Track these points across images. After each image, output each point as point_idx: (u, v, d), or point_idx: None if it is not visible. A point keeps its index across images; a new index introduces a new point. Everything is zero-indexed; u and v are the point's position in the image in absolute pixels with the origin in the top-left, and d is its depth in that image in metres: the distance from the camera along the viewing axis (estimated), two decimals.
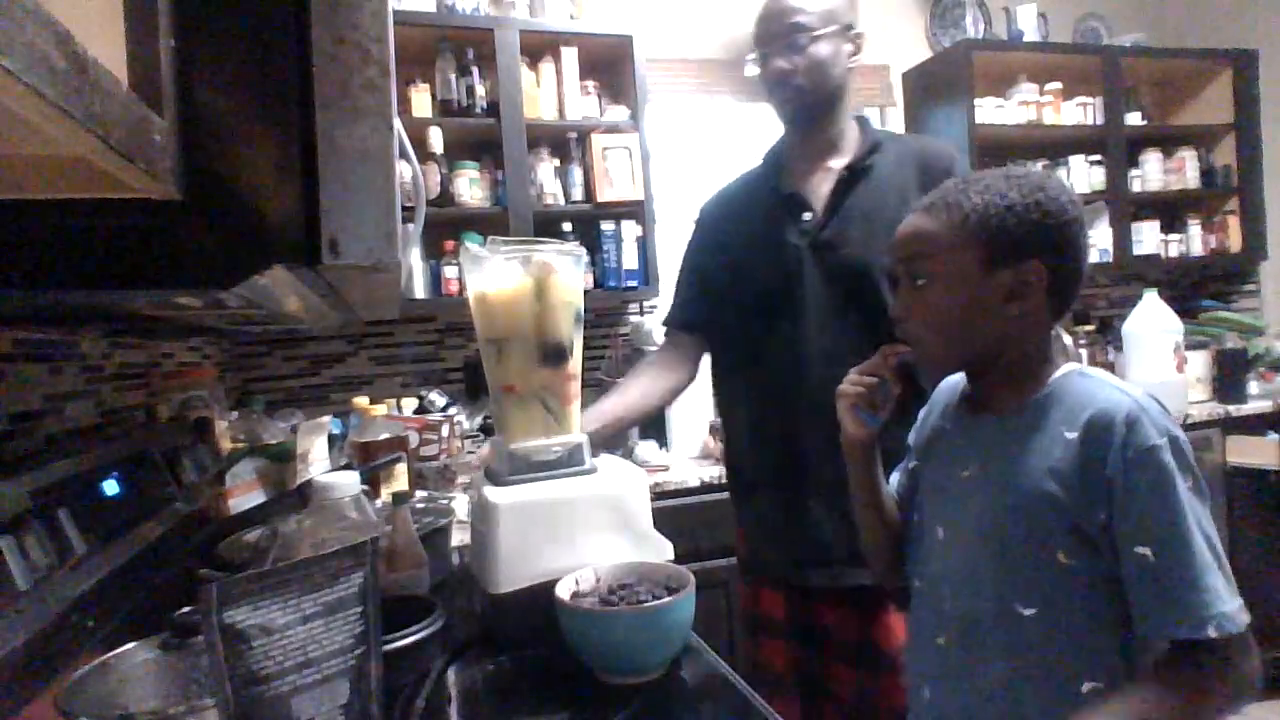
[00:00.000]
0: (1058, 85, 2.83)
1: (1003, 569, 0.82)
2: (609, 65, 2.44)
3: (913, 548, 0.97)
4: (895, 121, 2.96)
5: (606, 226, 2.35)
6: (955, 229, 0.83)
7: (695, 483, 1.97)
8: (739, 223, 1.36)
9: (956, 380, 0.96)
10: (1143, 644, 0.79)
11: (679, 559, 0.97)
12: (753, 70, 1.32)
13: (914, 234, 0.86)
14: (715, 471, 1.99)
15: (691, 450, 2.26)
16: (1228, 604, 0.72)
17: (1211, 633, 0.72)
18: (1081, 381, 0.83)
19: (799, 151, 1.34)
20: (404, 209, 0.62)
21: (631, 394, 1.36)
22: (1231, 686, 0.72)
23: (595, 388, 2.28)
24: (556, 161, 2.37)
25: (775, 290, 1.28)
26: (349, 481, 0.91)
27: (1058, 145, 2.90)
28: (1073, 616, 0.79)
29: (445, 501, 1.44)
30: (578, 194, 2.36)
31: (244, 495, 1.45)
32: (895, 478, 1.04)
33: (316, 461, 1.60)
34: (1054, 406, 0.82)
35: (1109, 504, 0.76)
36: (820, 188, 1.30)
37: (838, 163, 1.30)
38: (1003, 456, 0.85)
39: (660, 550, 0.98)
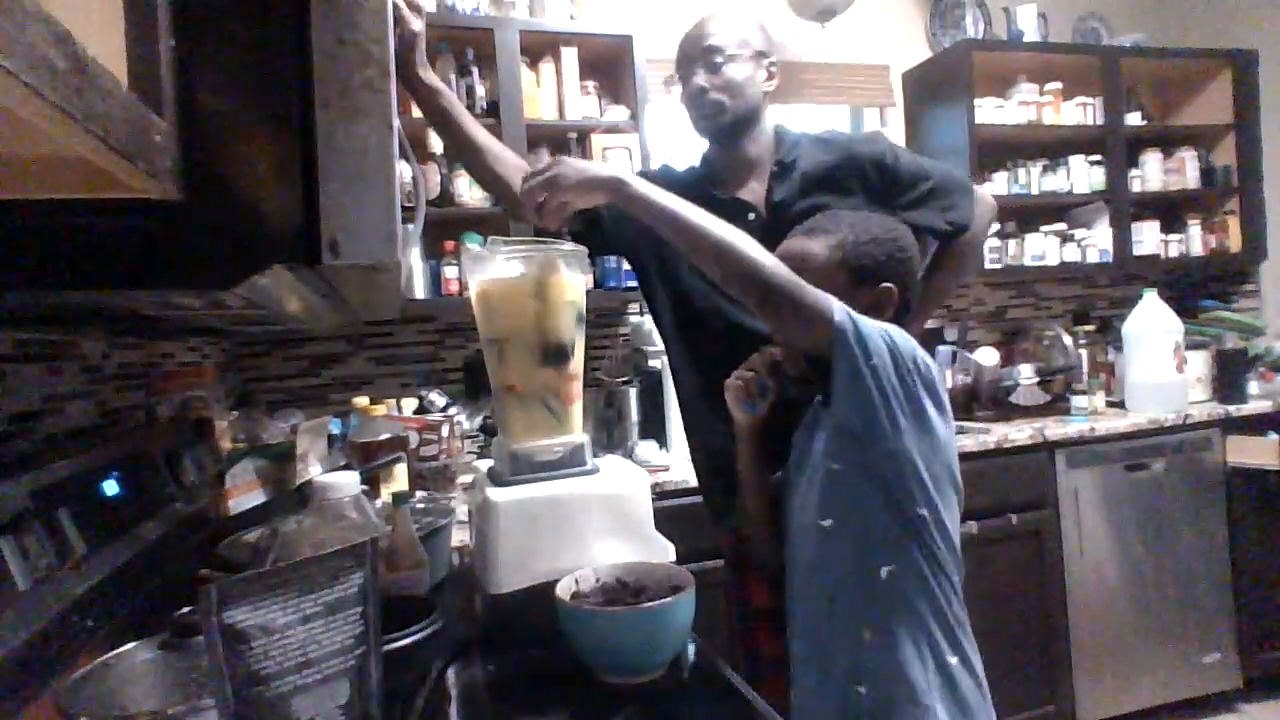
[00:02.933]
0: (1058, 85, 2.83)
1: (815, 495, 1.00)
2: (609, 65, 2.44)
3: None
4: (895, 121, 2.96)
5: None
6: (831, 250, 1.03)
7: (696, 483, 1.96)
8: None
9: None
10: None
11: (680, 559, 0.97)
12: (676, 91, 1.44)
13: (797, 253, 1.04)
14: None
15: None
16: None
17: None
18: None
19: (727, 164, 1.43)
20: (404, 209, 0.62)
21: (506, 151, 1.39)
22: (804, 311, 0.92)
23: (595, 388, 2.28)
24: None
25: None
26: (349, 481, 0.91)
27: (1057, 145, 2.89)
28: (865, 520, 0.95)
29: (445, 501, 1.44)
30: None
31: (244, 495, 1.44)
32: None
33: (316, 461, 1.60)
34: None
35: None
36: (756, 193, 1.40)
37: (765, 170, 1.40)
38: (820, 426, 1.03)
39: (662, 552, 0.98)
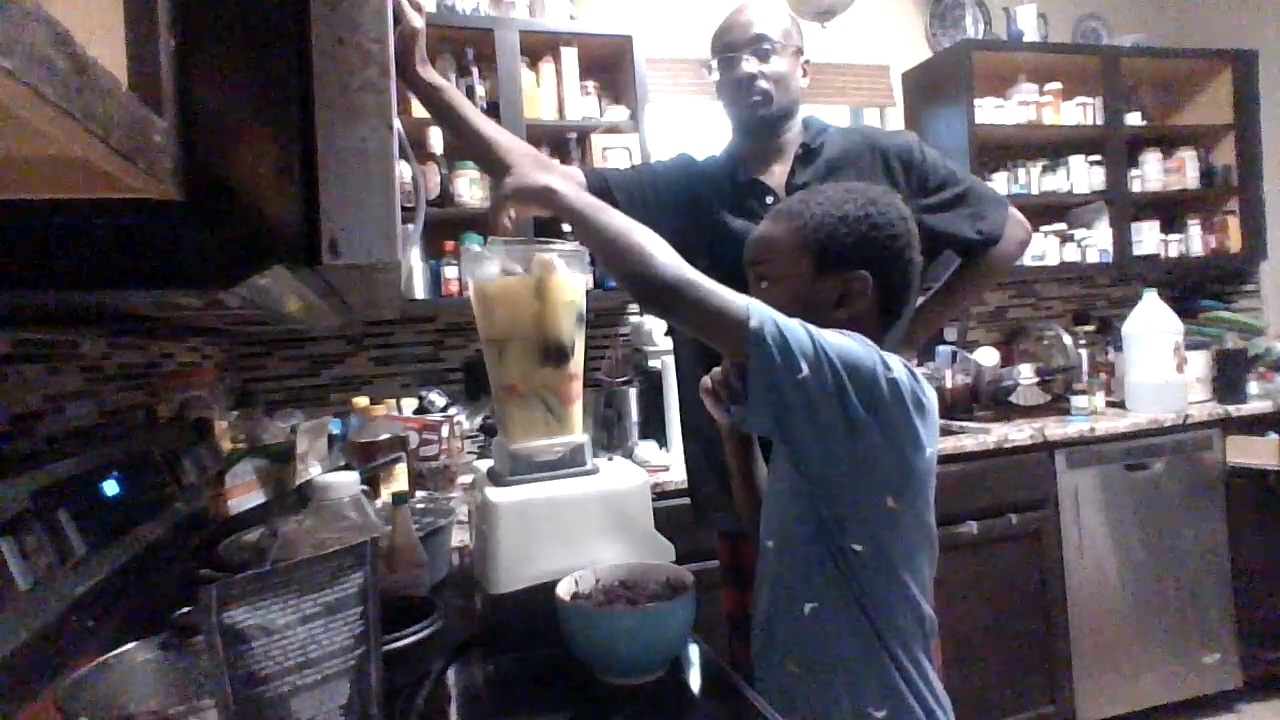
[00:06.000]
0: (1057, 85, 2.83)
1: (775, 514, 0.96)
2: (609, 65, 2.44)
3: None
4: (895, 122, 2.96)
5: None
6: (794, 235, 0.90)
7: None
8: (698, 204, 1.42)
9: None
10: None
11: (679, 559, 0.96)
12: (714, 76, 1.40)
13: (760, 239, 0.94)
14: None
15: None
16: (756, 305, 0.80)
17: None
18: None
19: (755, 153, 1.41)
20: (404, 209, 0.62)
21: (515, 141, 1.35)
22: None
23: (595, 388, 2.28)
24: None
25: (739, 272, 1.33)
26: (349, 482, 0.91)
27: (1057, 145, 2.90)
28: (796, 547, 0.90)
29: (445, 501, 1.44)
30: None
31: (244, 495, 1.44)
32: None
33: (316, 461, 1.60)
34: None
35: None
36: (778, 177, 1.39)
37: (790, 155, 1.40)
38: None
39: (661, 552, 0.98)
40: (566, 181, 0.97)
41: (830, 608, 0.87)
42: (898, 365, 0.83)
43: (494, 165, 1.35)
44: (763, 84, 1.33)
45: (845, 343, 0.81)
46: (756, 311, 0.79)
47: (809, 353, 0.78)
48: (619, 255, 0.85)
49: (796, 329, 0.79)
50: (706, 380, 1.01)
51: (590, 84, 2.38)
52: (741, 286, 1.00)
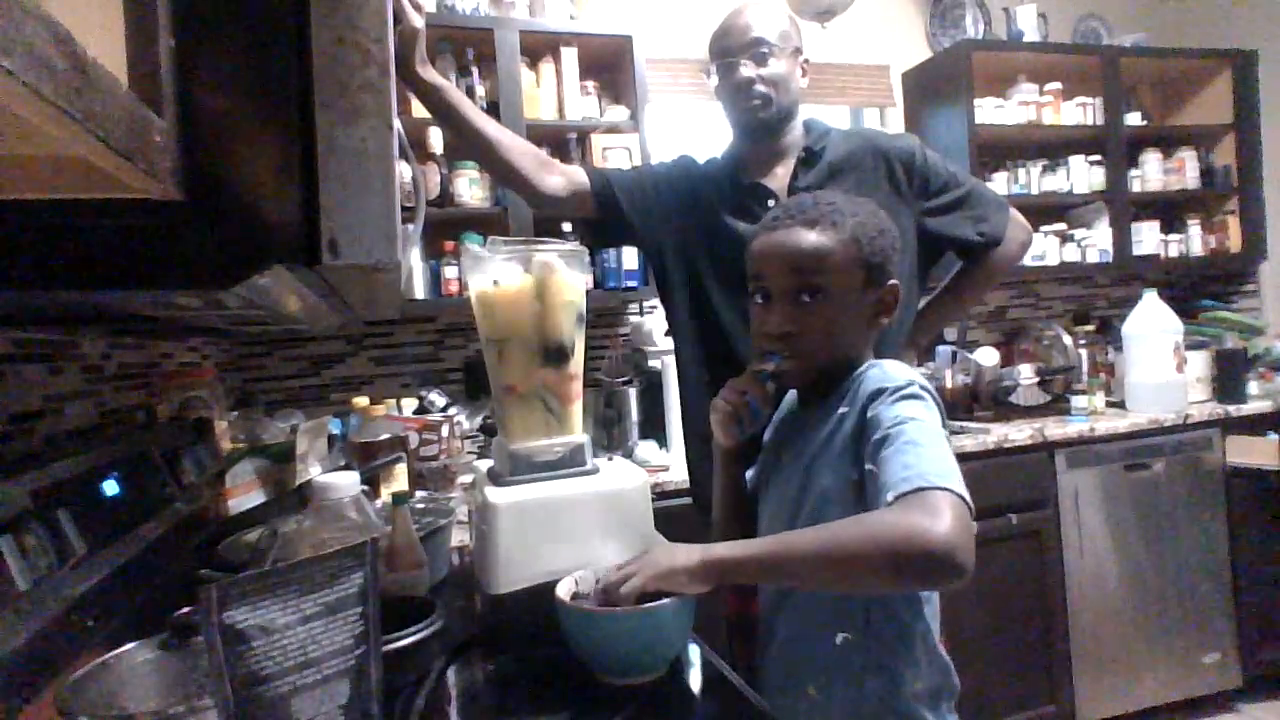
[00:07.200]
0: (1057, 85, 2.83)
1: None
2: (609, 65, 2.44)
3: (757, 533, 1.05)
4: (895, 122, 2.96)
5: None
6: (847, 247, 0.89)
7: None
8: (699, 205, 1.42)
9: None
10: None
11: None
12: (712, 80, 1.40)
13: (810, 250, 0.89)
14: None
15: None
16: (934, 478, 0.74)
17: (908, 487, 0.74)
18: (869, 371, 0.90)
19: (756, 156, 1.42)
20: (404, 209, 0.62)
21: (517, 140, 1.37)
22: (930, 519, 0.71)
23: (595, 388, 2.28)
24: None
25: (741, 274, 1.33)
26: (349, 482, 0.91)
27: (1057, 145, 2.89)
28: None
29: (445, 501, 1.44)
30: None
31: (244, 495, 1.45)
32: (749, 474, 1.10)
33: (316, 461, 1.60)
34: (844, 395, 0.90)
35: (862, 450, 0.84)
36: (780, 180, 1.39)
37: (792, 159, 1.39)
38: (803, 444, 0.94)
39: None
40: (708, 547, 0.83)
41: (860, 640, 0.87)
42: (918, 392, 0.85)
43: (495, 166, 1.35)
44: (761, 88, 1.33)
45: (940, 430, 0.82)
46: (941, 525, 0.71)
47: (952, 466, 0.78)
48: (849, 560, 0.74)
49: (953, 474, 0.76)
50: (723, 403, 0.99)
51: (590, 84, 2.38)
52: (741, 285, 1.00)
